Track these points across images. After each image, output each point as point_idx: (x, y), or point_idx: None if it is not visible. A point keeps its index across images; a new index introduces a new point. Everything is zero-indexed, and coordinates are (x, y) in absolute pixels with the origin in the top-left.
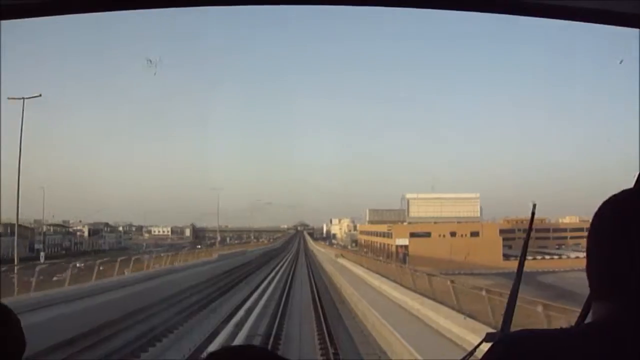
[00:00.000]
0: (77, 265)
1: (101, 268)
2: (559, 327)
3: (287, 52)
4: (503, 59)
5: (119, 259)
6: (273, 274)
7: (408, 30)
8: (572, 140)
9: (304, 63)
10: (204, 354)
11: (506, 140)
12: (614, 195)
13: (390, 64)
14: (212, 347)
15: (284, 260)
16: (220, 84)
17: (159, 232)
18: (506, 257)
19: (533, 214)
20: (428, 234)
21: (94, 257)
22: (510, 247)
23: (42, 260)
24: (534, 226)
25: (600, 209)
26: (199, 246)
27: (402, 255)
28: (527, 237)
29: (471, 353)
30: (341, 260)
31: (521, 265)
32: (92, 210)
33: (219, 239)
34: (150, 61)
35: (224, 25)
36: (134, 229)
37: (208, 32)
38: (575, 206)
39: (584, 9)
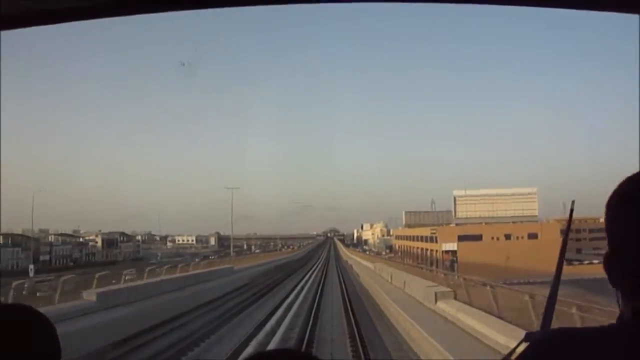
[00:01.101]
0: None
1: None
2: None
3: (324, 53)
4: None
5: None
6: None
7: (446, 28)
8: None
9: (340, 64)
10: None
11: (556, 134)
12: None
13: (427, 61)
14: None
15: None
16: (253, 88)
17: (183, 240)
18: (569, 261)
19: (572, 211)
20: (479, 237)
21: (98, 269)
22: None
23: (31, 274)
24: (587, 226)
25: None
26: (212, 256)
27: (450, 262)
28: (565, 235)
29: (511, 353)
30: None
31: (560, 263)
32: (112, 220)
33: (234, 249)
34: (184, 64)
35: (258, 26)
36: (157, 238)
37: (239, 33)
38: None
39: None
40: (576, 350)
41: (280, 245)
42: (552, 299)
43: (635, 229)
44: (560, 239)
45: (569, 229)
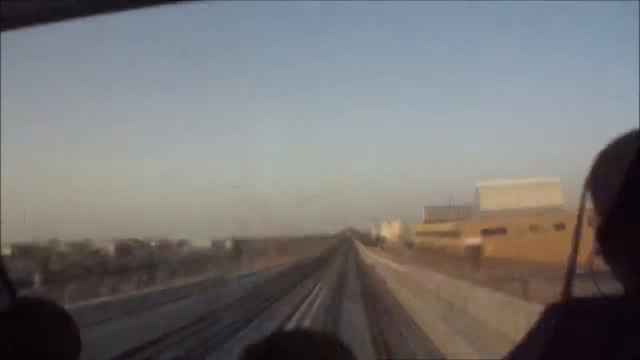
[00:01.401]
0: None
1: None
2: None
3: (330, 42)
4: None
5: None
6: None
7: (453, 22)
8: None
9: (346, 53)
10: (263, 338)
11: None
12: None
13: (432, 56)
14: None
15: None
16: (258, 79)
17: (198, 245)
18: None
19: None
20: (503, 230)
21: (108, 278)
22: None
23: (35, 286)
24: None
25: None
26: (225, 261)
27: (473, 258)
28: (579, 217)
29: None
30: None
31: (577, 239)
32: (120, 225)
33: (248, 252)
34: (187, 54)
35: (261, 16)
36: (173, 243)
37: (241, 24)
38: None
39: None
40: (591, 317)
41: (294, 246)
42: (570, 274)
43: (624, 205)
44: (589, 230)
45: (582, 208)
